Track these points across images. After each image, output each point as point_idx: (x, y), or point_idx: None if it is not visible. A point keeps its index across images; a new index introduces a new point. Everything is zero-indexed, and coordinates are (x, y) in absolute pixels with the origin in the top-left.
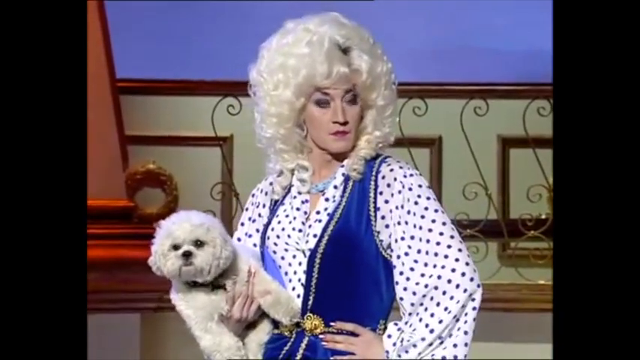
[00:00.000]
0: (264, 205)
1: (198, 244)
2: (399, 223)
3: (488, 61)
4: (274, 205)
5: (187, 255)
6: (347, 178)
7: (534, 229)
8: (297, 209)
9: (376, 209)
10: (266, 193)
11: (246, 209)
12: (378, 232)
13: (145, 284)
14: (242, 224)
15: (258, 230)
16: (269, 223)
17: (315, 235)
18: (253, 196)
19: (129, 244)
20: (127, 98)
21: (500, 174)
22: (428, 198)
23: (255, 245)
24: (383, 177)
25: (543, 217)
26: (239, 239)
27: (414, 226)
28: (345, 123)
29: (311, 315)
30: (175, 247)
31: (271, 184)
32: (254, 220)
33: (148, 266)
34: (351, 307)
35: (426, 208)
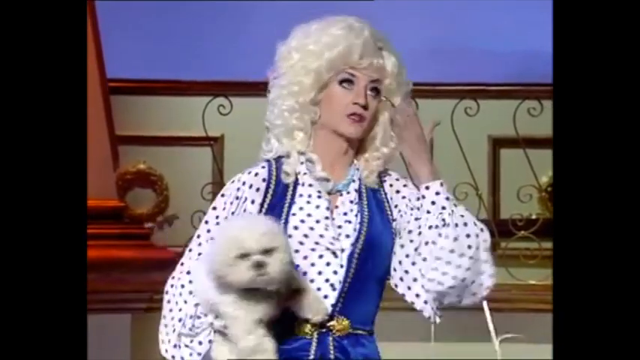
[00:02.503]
0: (252, 202)
1: (268, 251)
2: (409, 207)
3: (481, 62)
4: (272, 199)
5: (260, 265)
6: (361, 183)
7: (525, 229)
8: (317, 207)
9: (393, 218)
10: (257, 189)
11: (231, 203)
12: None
13: (135, 284)
14: (217, 217)
15: None
16: (286, 222)
17: (347, 236)
18: (238, 190)
19: (119, 245)
20: (117, 98)
21: (490, 174)
22: None
23: None
24: (390, 185)
25: (534, 217)
26: (209, 231)
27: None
28: (365, 107)
29: (339, 316)
30: (243, 256)
31: (264, 180)
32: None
33: (138, 266)
34: (367, 311)
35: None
